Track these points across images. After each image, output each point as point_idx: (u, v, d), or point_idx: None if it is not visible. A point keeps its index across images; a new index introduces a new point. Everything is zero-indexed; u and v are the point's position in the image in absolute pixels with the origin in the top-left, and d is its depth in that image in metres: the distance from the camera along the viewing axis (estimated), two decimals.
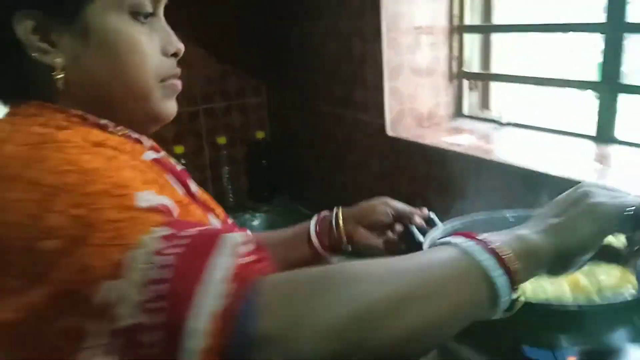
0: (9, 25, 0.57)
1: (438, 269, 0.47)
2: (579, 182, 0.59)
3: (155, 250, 0.43)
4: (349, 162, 1.58)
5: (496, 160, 1.13)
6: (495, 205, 0.86)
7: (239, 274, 0.42)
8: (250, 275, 0.43)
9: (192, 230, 0.46)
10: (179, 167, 0.69)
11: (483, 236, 0.49)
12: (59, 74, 0.58)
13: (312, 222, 0.91)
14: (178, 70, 0.66)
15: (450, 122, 1.46)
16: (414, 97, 1.41)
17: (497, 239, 0.49)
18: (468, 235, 0.50)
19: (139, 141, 0.65)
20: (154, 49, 0.62)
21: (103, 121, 0.61)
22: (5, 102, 0.62)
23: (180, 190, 0.63)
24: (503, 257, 0.47)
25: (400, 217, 0.87)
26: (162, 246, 0.43)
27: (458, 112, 1.48)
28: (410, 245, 0.84)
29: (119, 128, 0.62)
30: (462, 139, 1.29)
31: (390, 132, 1.39)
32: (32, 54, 0.58)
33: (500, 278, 0.47)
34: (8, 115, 0.60)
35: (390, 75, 1.36)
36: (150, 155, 0.63)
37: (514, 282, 0.48)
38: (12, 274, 0.46)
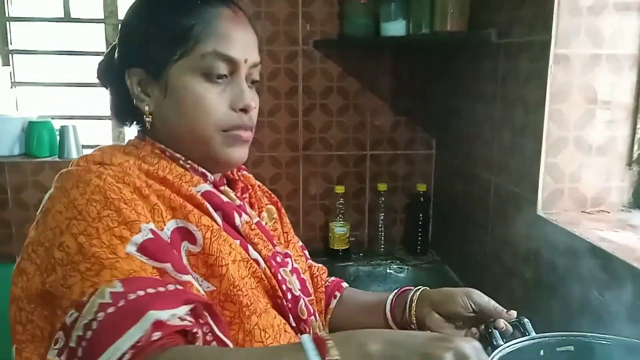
0: (123, 76, 0.75)
1: None
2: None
3: (100, 303, 0.55)
4: (496, 234, 1.47)
5: None
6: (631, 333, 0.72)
7: (141, 346, 0.53)
8: (148, 350, 0.53)
9: (133, 295, 0.56)
10: (236, 203, 0.78)
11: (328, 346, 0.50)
12: (147, 117, 0.76)
13: (391, 296, 0.88)
14: (246, 123, 0.76)
15: (623, 213, 1.26)
16: (577, 177, 1.25)
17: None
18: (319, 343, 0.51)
19: (204, 175, 0.77)
20: (221, 104, 0.74)
21: (177, 155, 0.76)
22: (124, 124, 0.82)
23: (219, 219, 0.73)
24: None
25: (482, 315, 0.79)
26: (106, 301, 0.55)
27: (635, 203, 1.27)
28: (490, 347, 0.75)
29: (189, 162, 0.76)
30: (626, 237, 1.10)
31: (540, 211, 1.25)
32: (134, 101, 0.76)
33: None
34: (127, 141, 0.80)
35: (550, 150, 1.23)
36: (205, 187, 0.74)
37: None
38: (35, 260, 0.62)
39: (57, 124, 1.92)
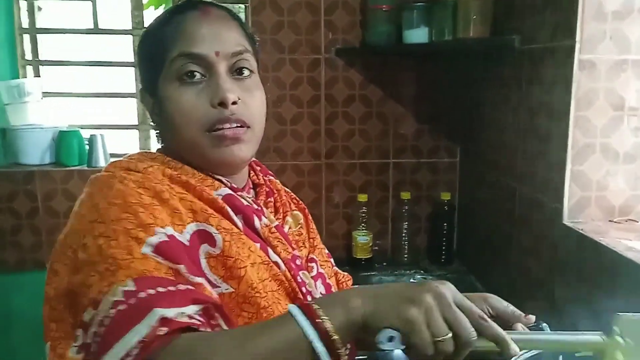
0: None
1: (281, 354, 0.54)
2: None
3: (114, 301, 0.58)
4: (521, 243, 1.44)
5: None
6: None
7: (148, 341, 0.55)
8: (154, 345, 0.55)
9: (143, 294, 0.58)
10: (255, 206, 0.78)
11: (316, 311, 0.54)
12: (156, 132, 0.80)
13: None
14: (228, 117, 0.73)
15: None
16: (604, 185, 1.22)
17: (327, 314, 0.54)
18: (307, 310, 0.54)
19: (220, 181, 0.77)
20: (200, 104, 0.73)
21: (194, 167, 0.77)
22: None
23: (239, 223, 0.73)
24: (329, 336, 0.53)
25: (500, 319, 0.77)
26: (118, 299, 0.58)
27: None
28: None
29: (205, 171, 0.77)
30: None
31: (566, 219, 1.22)
32: (151, 118, 0.80)
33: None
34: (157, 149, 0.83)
35: (576, 157, 1.20)
36: (225, 191, 0.76)
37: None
38: (62, 261, 0.65)
39: (86, 134, 1.96)
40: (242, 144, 0.75)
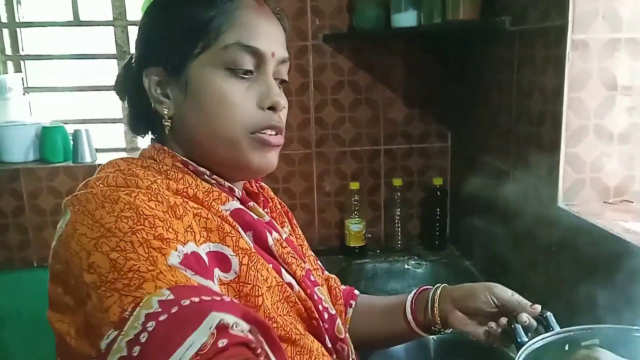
0: (140, 79, 0.68)
1: None
2: None
3: (147, 314, 0.47)
4: (515, 228, 1.43)
5: None
6: None
7: (207, 354, 0.44)
8: (215, 358, 0.44)
9: (187, 302, 0.47)
10: (266, 219, 0.72)
11: None
12: (167, 122, 0.68)
13: (409, 297, 0.85)
14: (275, 123, 0.69)
15: None
16: (598, 166, 1.21)
17: None
18: None
19: (231, 190, 0.70)
20: (247, 102, 0.67)
21: (201, 169, 0.69)
22: (140, 135, 0.75)
23: (250, 242, 0.66)
24: None
25: (506, 309, 0.76)
26: (154, 311, 0.47)
27: None
28: (514, 343, 0.72)
29: (214, 177, 0.69)
30: None
31: (561, 202, 1.21)
32: (152, 104, 0.68)
33: None
34: (140, 152, 0.73)
35: (570, 139, 1.19)
36: (234, 205, 0.67)
37: None
38: (71, 293, 0.54)
39: (70, 129, 1.92)
40: (276, 153, 0.71)
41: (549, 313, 0.74)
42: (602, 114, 1.18)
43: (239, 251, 0.62)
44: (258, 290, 0.62)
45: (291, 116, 1.84)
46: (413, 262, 1.85)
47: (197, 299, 0.48)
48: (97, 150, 1.92)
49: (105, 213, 0.55)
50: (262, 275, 0.64)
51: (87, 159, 1.86)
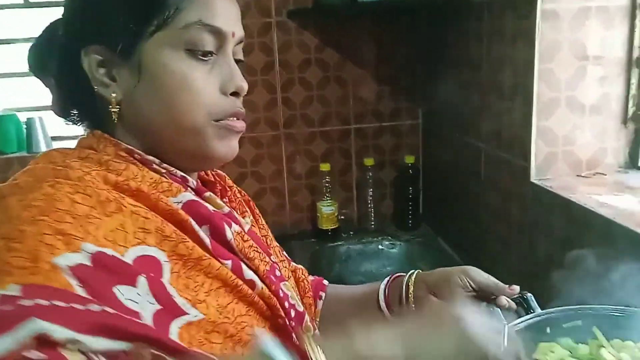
0: (78, 59, 0.60)
1: None
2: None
3: None
4: (489, 204, 1.41)
5: None
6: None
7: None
8: None
9: (28, 302, 0.42)
10: (225, 210, 0.66)
11: None
12: (114, 108, 0.61)
13: (382, 286, 0.81)
14: (238, 110, 0.64)
15: (619, 174, 1.20)
16: (571, 139, 1.18)
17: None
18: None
19: (184, 180, 0.64)
20: (210, 87, 0.61)
21: (150, 157, 0.62)
22: (74, 123, 0.67)
23: (206, 239, 0.59)
24: None
25: (484, 293, 0.73)
26: None
27: (632, 163, 1.20)
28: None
29: (164, 166, 0.63)
30: (625, 201, 1.04)
31: (534, 177, 1.19)
32: (95, 87, 0.61)
33: None
34: (78, 141, 0.65)
35: (541, 112, 1.16)
36: (186, 196, 0.61)
37: None
38: None
39: (23, 117, 1.82)
40: (237, 139, 0.65)
41: (529, 294, 0.71)
42: (574, 85, 1.15)
43: (174, 256, 0.55)
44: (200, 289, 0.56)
45: (257, 96, 1.78)
46: (387, 243, 1.82)
47: (45, 302, 0.42)
48: (52, 138, 1.83)
49: (16, 201, 0.50)
50: (195, 282, 0.56)
51: (42, 147, 1.77)
